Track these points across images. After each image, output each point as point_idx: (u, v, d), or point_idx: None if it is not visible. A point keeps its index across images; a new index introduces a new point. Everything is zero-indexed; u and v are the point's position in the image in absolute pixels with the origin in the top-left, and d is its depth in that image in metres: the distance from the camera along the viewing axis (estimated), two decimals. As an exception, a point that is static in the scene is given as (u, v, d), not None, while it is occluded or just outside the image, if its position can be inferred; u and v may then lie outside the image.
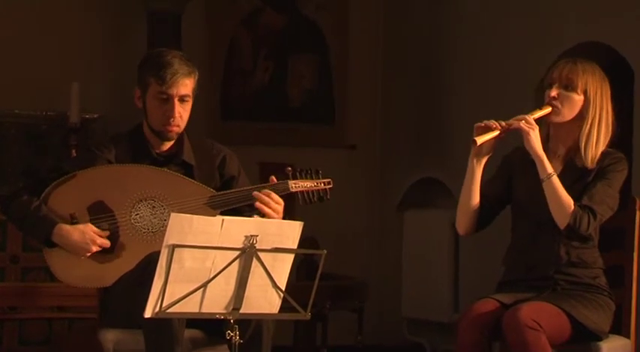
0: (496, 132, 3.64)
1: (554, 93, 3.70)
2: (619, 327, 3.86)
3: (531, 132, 3.64)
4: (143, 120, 3.83)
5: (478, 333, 3.54)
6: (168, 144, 3.82)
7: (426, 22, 7.01)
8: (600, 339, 3.64)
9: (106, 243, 3.63)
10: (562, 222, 3.61)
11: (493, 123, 3.65)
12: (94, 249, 3.61)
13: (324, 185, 3.76)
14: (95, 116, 6.50)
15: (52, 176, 3.73)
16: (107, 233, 3.64)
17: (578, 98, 3.70)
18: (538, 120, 3.69)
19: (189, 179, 3.75)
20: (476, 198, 3.76)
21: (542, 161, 3.65)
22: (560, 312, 3.55)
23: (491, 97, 6.20)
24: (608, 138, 3.73)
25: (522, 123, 3.64)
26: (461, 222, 3.83)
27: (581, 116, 3.71)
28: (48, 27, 6.61)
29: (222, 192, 3.75)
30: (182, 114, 3.74)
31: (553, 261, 3.68)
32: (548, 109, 3.70)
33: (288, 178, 3.73)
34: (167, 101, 3.72)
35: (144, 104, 3.79)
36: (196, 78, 3.77)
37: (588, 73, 3.71)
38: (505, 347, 3.54)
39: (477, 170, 3.73)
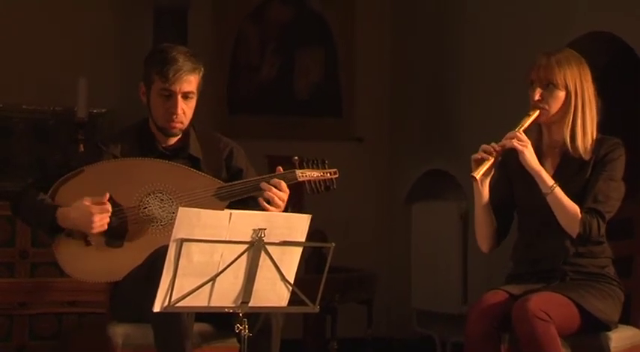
0: (491, 161, 3.65)
1: (537, 96, 3.70)
2: (628, 317, 3.86)
3: (525, 151, 3.65)
4: (149, 115, 3.83)
5: (487, 324, 3.54)
6: (174, 139, 3.82)
7: (433, 14, 7.00)
8: (610, 329, 3.64)
9: (107, 207, 3.56)
10: (572, 231, 3.61)
11: (487, 149, 3.65)
12: (96, 218, 3.56)
13: (331, 175, 3.77)
14: (102, 111, 6.51)
15: (59, 172, 3.73)
16: (107, 196, 3.59)
17: (562, 93, 3.69)
18: (529, 126, 3.69)
19: (197, 171, 3.75)
20: (489, 216, 3.76)
21: (541, 176, 3.65)
22: (570, 302, 3.54)
23: (498, 89, 6.19)
24: (595, 122, 3.72)
25: (515, 142, 3.64)
26: (482, 242, 3.81)
27: (568, 107, 3.70)
28: (55, 23, 6.62)
29: (230, 183, 3.74)
30: (185, 110, 3.74)
31: (560, 253, 3.68)
32: (536, 113, 3.70)
33: (295, 168, 3.73)
34: (170, 97, 3.71)
35: (148, 100, 3.78)
36: (201, 74, 3.76)
37: (564, 65, 3.69)
38: (514, 338, 3.53)
39: (484, 191, 3.73)
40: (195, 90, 3.74)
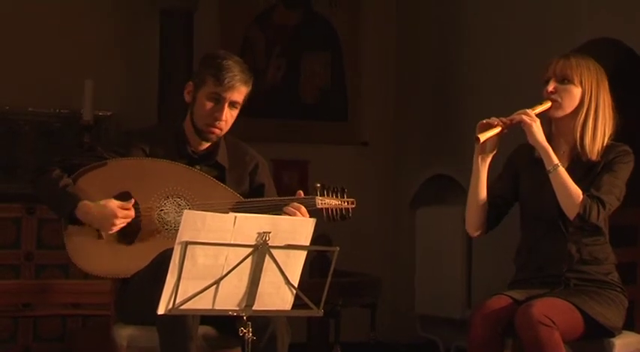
0: (498, 129, 3.64)
1: (551, 87, 3.70)
2: (632, 323, 3.86)
3: (533, 125, 3.64)
4: (187, 116, 3.84)
5: (490, 329, 3.54)
6: (205, 144, 3.84)
7: (438, 20, 7.01)
8: (613, 335, 3.64)
9: (131, 214, 3.62)
10: (571, 212, 3.60)
11: (495, 120, 3.66)
12: (118, 222, 3.60)
13: (348, 204, 3.78)
14: (108, 113, 6.52)
15: (86, 156, 3.75)
16: (132, 202, 3.63)
17: (576, 90, 3.69)
18: (540, 118, 3.68)
19: (219, 182, 3.76)
20: (483, 197, 3.75)
21: (547, 152, 3.64)
22: (573, 308, 3.54)
23: (503, 95, 6.19)
24: (609, 131, 3.72)
25: (524, 117, 3.64)
26: (471, 224, 3.81)
27: (581, 107, 3.70)
28: (61, 25, 6.63)
29: (249, 200, 3.75)
30: (228, 119, 3.78)
31: (564, 259, 3.67)
32: (548, 104, 3.70)
33: (316, 194, 3.75)
34: (218, 103, 3.74)
35: (194, 99, 3.80)
36: (251, 87, 3.80)
37: (582, 66, 3.70)
38: (517, 343, 3.54)
39: (483, 169, 3.73)
40: (241, 102, 3.79)
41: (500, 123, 3.64)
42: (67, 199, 3.65)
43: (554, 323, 3.45)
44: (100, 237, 3.67)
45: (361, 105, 7.38)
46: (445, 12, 6.94)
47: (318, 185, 3.77)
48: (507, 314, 3.54)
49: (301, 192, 3.76)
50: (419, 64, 7.22)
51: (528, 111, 3.65)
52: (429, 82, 7.09)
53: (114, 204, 3.62)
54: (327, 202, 3.75)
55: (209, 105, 3.75)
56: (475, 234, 3.82)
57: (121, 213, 3.61)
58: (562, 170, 3.62)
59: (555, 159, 3.63)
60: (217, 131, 3.78)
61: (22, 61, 6.48)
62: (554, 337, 3.45)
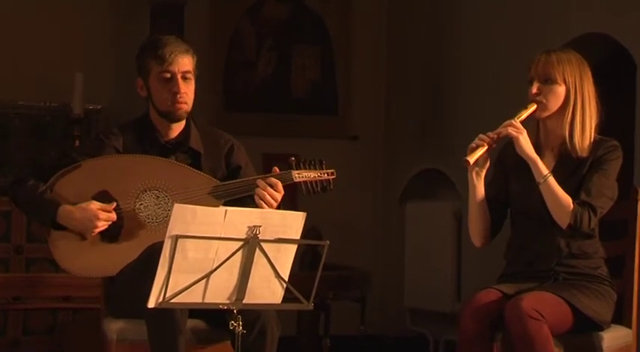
0: (485, 148, 3.65)
1: (535, 89, 3.70)
2: (620, 317, 3.87)
3: (520, 137, 3.65)
4: (149, 108, 3.84)
5: (480, 323, 3.55)
6: (176, 131, 3.83)
7: (430, 14, 7.01)
8: (602, 329, 3.65)
9: (112, 216, 3.62)
10: (563, 222, 3.61)
11: (481, 140, 3.65)
12: (100, 224, 3.60)
13: (328, 175, 3.76)
14: (98, 107, 6.52)
15: (60, 163, 3.74)
16: (113, 205, 3.63)
17: (560, 88, 3.69)
18: (526, 119, 3.69)
19: (194, 169, 3.76)
20: (484, 210, 3.76)
21: (536, 164, 3.65)
22: (562, 302, 3.55)
23: (494, 89, 6.20)
24: (594, 124, 3.73)
25: (510, 129, 3.64)
26: (476, 237, 3.81)
27: (567, 104, 3.71)
28: (51, 18, 6.62)
29: (225, 182, 3.75)
30: (187, 91, 3.76)
31: (554, 253, 3.68)
32: (533, 107, 3.70)
33: (292, 168, 3.73)
34: (171, 80, 3.73)
35: (148, 90, 3.80)
36: (194, 57, 3.79)
37: (564, 62, 3.70)
38: (507, 336, 3.55)
39: (478, 183, 3.74)
40: (192, 71, 3.77)
41: (487, 140, 3.65)
42: (46, 206, 3.65)
43: (543, 316, 3.46)
44: (83, 238, 3.66)
45: (351, 99, 7.38)
46: (436, 6, 6.94)
47: (293, 158, 3.75)
48: (497, 308, 3.55)
49: (276, 168, 3.74)
50: (409, 59, 7.22)
51: (514, 122, 3.65)
52: (419, 77, 7.09)
53: (95, 205, 3.61)
54: (304, 175, 3.73)
55: (163, 85, 3.74)
56: (482, 245, 3.83)
57: (102, 215, 3.60)
58: (552, 180, 3.63)
59: (544, 170, 3.64)
60: (184, 106, 3.76)
61: (12, 54, 6.46)
62: (543, 330, 3.46)
